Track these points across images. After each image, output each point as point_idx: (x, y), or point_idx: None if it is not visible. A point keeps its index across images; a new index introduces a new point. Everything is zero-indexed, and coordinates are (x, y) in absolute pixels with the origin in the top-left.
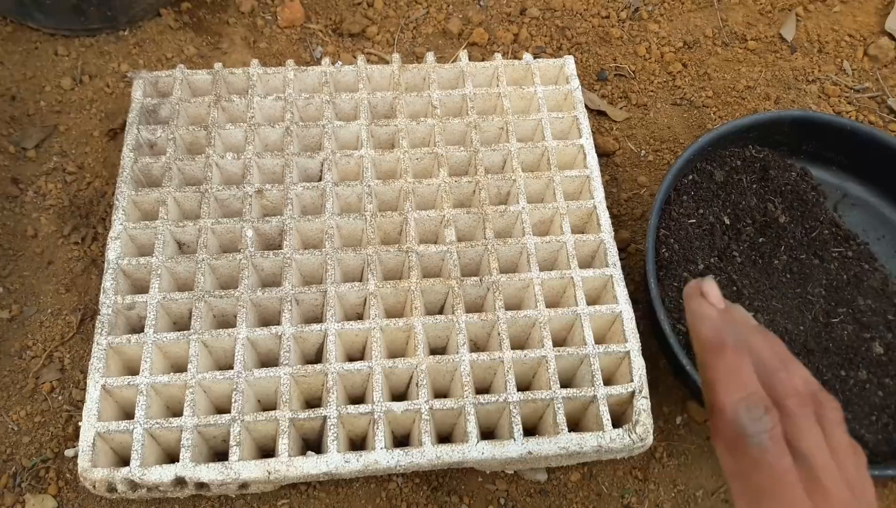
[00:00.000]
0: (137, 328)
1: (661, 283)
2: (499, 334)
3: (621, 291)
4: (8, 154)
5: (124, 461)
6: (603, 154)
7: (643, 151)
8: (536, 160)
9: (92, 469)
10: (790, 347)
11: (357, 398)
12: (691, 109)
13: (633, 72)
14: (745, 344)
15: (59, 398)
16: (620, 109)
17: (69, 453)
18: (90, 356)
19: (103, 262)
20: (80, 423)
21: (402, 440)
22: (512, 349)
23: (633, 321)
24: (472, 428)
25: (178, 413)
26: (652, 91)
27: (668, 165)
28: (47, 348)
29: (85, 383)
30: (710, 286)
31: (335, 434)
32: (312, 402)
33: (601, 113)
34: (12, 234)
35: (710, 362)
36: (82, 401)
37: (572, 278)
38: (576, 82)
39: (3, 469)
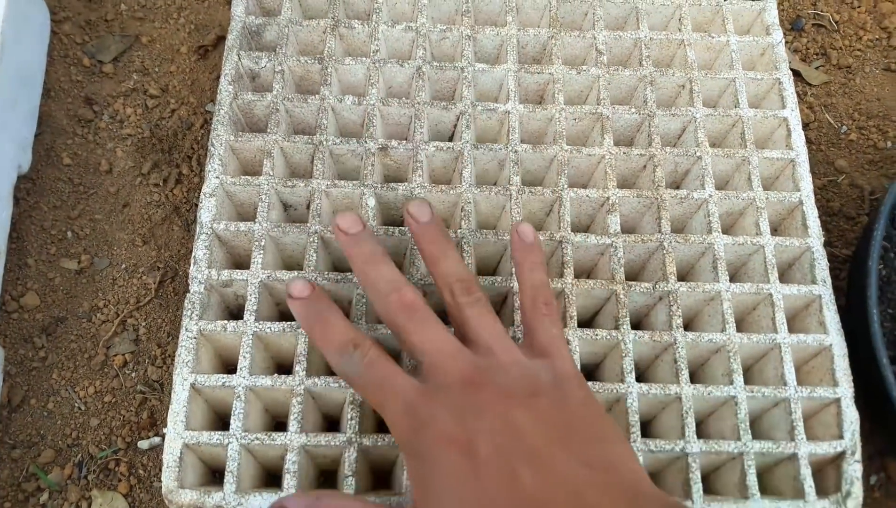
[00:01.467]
0: (234, 309)
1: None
2: (675, 360)
3: (831, 317)
4: (82, 67)
5: (213, 473)
6: None
7: (844, 127)
8: (725, 132)
9: (179, 491)
10: None
11: None
12: None
13: (837, 23)
14: (327, 310)
15: (133, 375)
16: (817, 69)
17: (143, 444)
18: (168, 326)
19: (187, 210)
20: (154, 407)
21: None
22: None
23: (846, 359)
24: None
25: (277, 417)
26: (860, 50)
27: (874, 148)
28: (120, 312)
29: (162, 359)
30: (293, 285)
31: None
32: None
33: (793, 72)
34: (84, 166)
35: (312, 342)
36: (158, 381)
37: (770, 294)
38: (779, 34)
39: (67, 456)
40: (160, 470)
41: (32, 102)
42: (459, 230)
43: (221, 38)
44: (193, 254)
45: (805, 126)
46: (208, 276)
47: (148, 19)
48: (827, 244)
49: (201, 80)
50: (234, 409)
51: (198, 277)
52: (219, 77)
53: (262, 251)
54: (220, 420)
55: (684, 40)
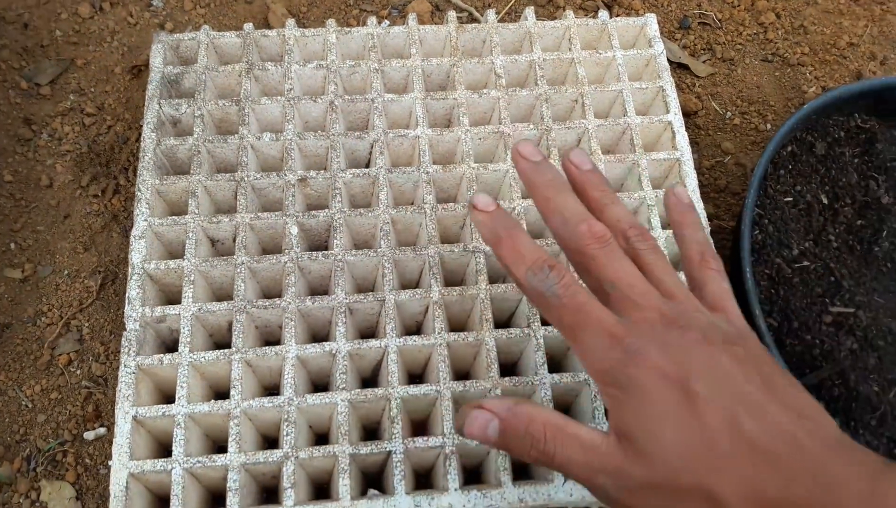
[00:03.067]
0: (168, 342)
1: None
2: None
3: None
4: (20, 90)
5: (161, 501)
6: (683, 114)
7: (728, 113)
8: (616, 139)
9: None
10: None
11: (419, 425)
12: (784, 66)
13: (720, 21)
14: (515, 227)
15: (78, 372)
16: (704, 62)
17: (89, 436)
18: (111, 325)
19: (125, 218)
20: (99, 401)
21: (473, 474)
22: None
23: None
24: None
25: (217, 441)
26: (740, 44)
27: (756, 130)
28: (64, 314)
29: (105, 356)
30: (477, 198)
31: (402, 473)
32: (368, 426)
33: (682, 66)
34: (25, 182)
35: (496, 253)
36: (102, 377)
37: None
38: (660, 46)
39: (16, 451)
40: (106, 458)
41: None
42: (380, 249)
43: None
44: (127, 294)
45: (694, 114)
46: (142, 314)
47: (82, 44)
48: (715, 218)
49: (136, 97)
50: (175, 436)
51: (132, 315)
52: None
53: (192, 286)
54: (165, 450)
55: (574, 58)
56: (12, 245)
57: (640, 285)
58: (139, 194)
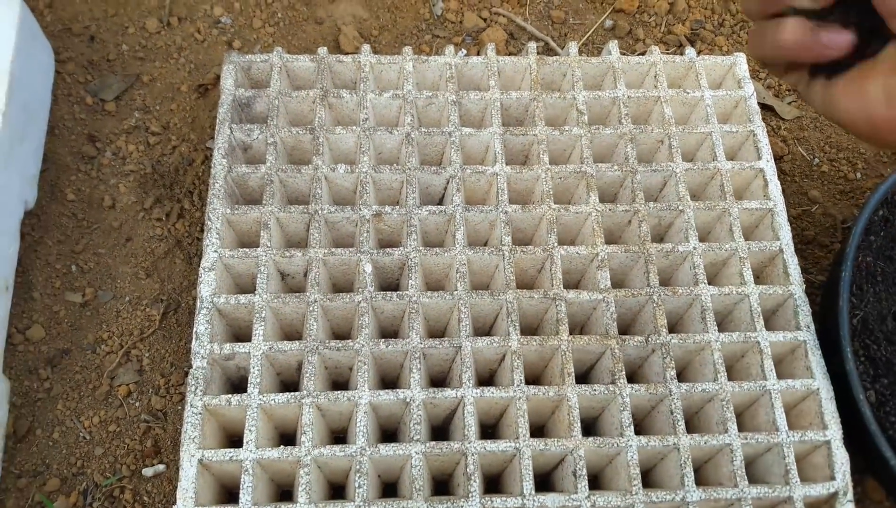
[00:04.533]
0: (234, 380)
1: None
2: (671, 411)
3: (817, 362)
4: (84, 106)
5: None
6: None
7: (816, 160)
8: (704, 185)
9: None
10: None
11: (491, 480)
12: None
13: None
14: None
15: (137, 404)
16: (789, 104)
17: (147, 472)
18: (172, 356)
19: (189, 244)
20: (157, 436)
21: None
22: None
23: (833, 402)
24: None
25: (282, 486)
26: None
27: (844, 179)
28: (124, 343)
29: (165, 389)
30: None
31: None
32: (438, 478)
33: (766, 107)
34: (87, 202)
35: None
36: (162, 411)
37: (758, 342)
38: (750, 87)
39: (72, 485)
40: (164, 497)
41: (38, 139)
42: (456, 292)
43: (220, 77)
44: (195, 329)
45: (779, 158)
46: (210, 350)
47: (149, 59)
48: (803, 270)
49: (201, 117)
50: (242, 483)
51: (200, 352)
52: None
53: (263, 323)
54: (227, 493)
55: (661, 97)
56: (73, 268)
57: None
58: (209, 223)
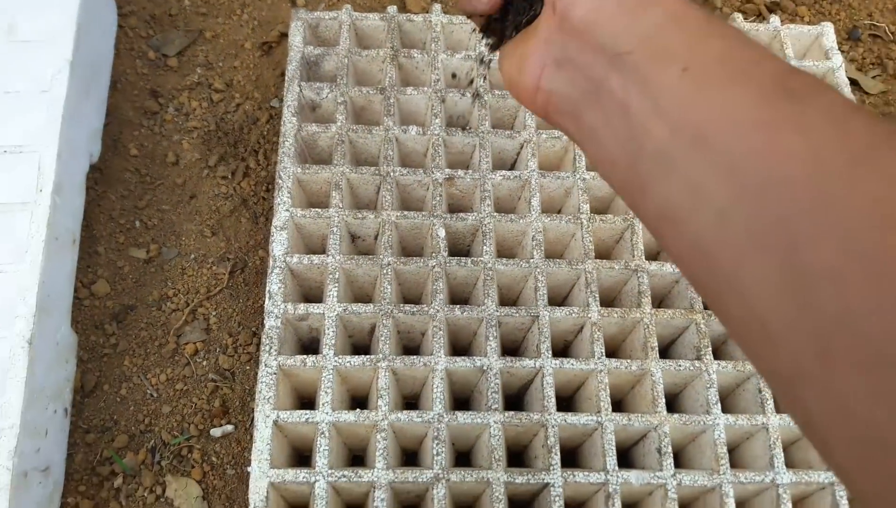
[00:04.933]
0: (305, 342)
1: None
2: (759, 390)
3: None
4: (147, 60)
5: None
6: None
7: None
8: None
9: None
10: None
11: (568, 452)
12: None
13: (894, 34)
14: None
15: (204, 363)
16: (874, 78)
17: (216, 432)
18: (239, 316)
19: (255, 203)
20: (225, 395)
21: None
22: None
23: None
24: None
25: (353, 451)
26: None
27: None
28: (190, 301)
29: (233, 348)
30: None
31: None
32: (513, 449)
33: (850, 81)
34: (150, 157)
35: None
36: (230, 370)
37: None
38: (838, 59)
39: (140, 442)
40: (233, 458)
41: (102, 93)
42: (532, 260)
43: (284, 35)
44: (268, 289)
45: None
46: (284, 310)
47: (211, 15)
48: None
49: (265, 75)
50: (318, 446)
51: (274, 311)
52: (282, 74)
53: (336, 285)
54: (300, 458)
55: None
56: (137, 223)
57: None
58: (280, 181)
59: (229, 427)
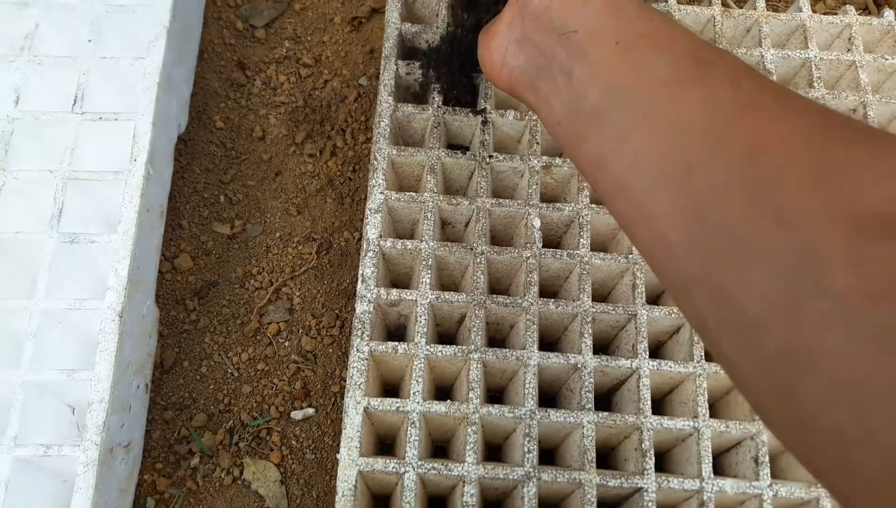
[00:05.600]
0: (392, 329)
1: None
2: None
3: None
4: (234, 31)
5: (376, 500)
6: None
7: None
8: None
9: None
10: None
11: (659, 457)
12: None
13: None
14: None
15: (286, 344)
16: None
17: (296, 415)
18: (323, 297)
19: (341, 183)
20: (307, 378)
21: None
22: None
23: None
24: None
25: (437, 443)
26: None
27: None
28: (274, 280)
29: (317, 330)
30: None
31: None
32: (601, 450)
33: None
34: (236, 131)
35: None
36: (312, 352)
37: None
38: None
39: (219, 422)
40: (313, 442)
41: (191, 62)
42: (631, 256)
43: (375, 11)
44: (361, 272)
45: None
46: (377, 295)
47: None
48: None
49: (354, 52)
50: (407, 436)
51: (366, 295)
52: (371, 51)
53: (429, 271)
54: (384, 447)
55: (856, 62)
56: (221, 198)
57: None
58: (375, 163)
59: (310, 411)
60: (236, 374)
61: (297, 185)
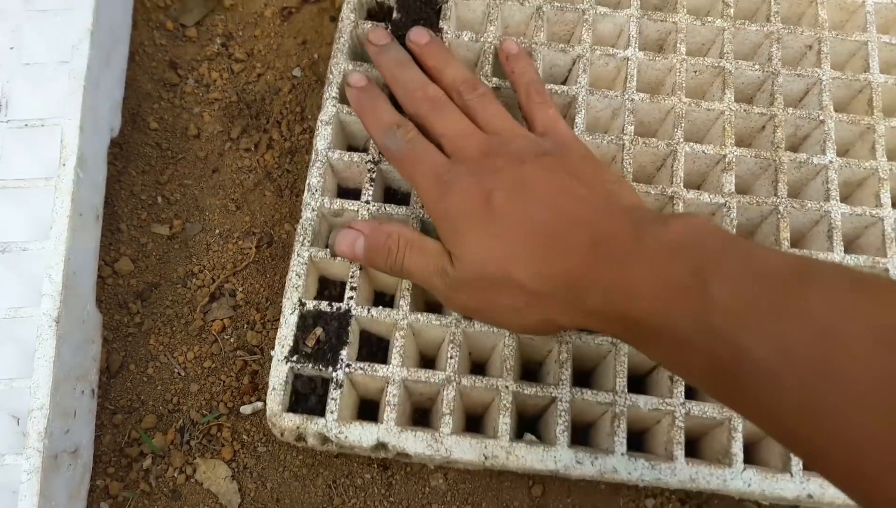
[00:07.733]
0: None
1: None
2: None
3: None
4: (165, 31)
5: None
6: None
7: None
8: (850, 98)
9: (283, 415)
10: None
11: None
12: None
13: None
14: (378, 97)
15: (231, 340)
16: None
17: (245, 410)
18: (267, 291)
19: (279, 176)
20: (255, 372)
21: (634, 439)
22: None
23: None
24: (738, 449)
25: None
26: None
27: None
28: (216, 277)
29: (262, 324)
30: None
31: (564, 424)
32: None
33: None
34: (171, 131)
35: (363, 123)
36: (258, 346)
37: (887, 269)
38: None
39: (169, 422)
40: (264, 435)
41: (121, 64)
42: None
43: (306, 1)
44: (307, 181)
45: None
46: (321, 204)
47: None
48: None
49: (286, 44)
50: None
51: (311, 203)
52: (304, 42)
53: (373, 184)
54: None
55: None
56: (159, 199)
57: (465, 130)
58: (330, 76)
59: (259, 404)
60: (183, 373)
61: (234, 180)
